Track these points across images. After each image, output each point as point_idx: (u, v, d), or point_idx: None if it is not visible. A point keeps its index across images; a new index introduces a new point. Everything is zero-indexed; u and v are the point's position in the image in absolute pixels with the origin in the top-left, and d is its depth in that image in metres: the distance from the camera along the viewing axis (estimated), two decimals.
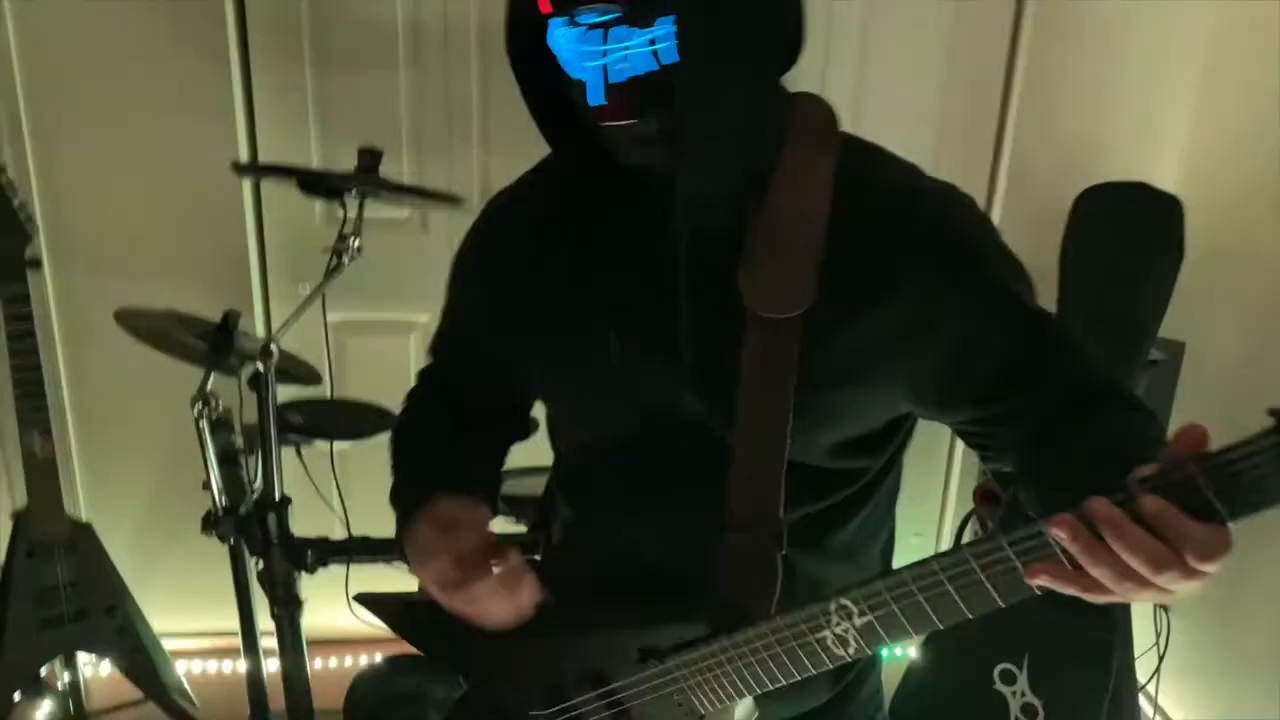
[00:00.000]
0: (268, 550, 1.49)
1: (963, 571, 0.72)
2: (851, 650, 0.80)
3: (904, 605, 0.76)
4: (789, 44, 0.86)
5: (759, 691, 0.88)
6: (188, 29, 2.04)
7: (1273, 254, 2.01)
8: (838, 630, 0.79)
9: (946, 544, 2.47)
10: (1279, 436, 0.59)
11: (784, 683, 0.86)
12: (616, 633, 0.93)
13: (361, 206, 1.53)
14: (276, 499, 1.48)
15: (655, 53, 0.78)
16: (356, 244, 1.51)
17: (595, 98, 0.80)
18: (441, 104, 2.16)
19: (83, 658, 2.23)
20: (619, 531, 0.99)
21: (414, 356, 2.31)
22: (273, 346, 1.41)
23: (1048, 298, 1.91)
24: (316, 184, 1.46)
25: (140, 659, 2.12)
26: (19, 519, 2.01)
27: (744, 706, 0.93)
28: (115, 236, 2.11)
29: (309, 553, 1.48)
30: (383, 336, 2.30)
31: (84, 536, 2.04)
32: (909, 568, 0.75)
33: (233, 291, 2.09)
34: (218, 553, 1.79)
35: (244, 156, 2.12)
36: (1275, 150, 1.99)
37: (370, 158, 1.46)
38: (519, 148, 0.96)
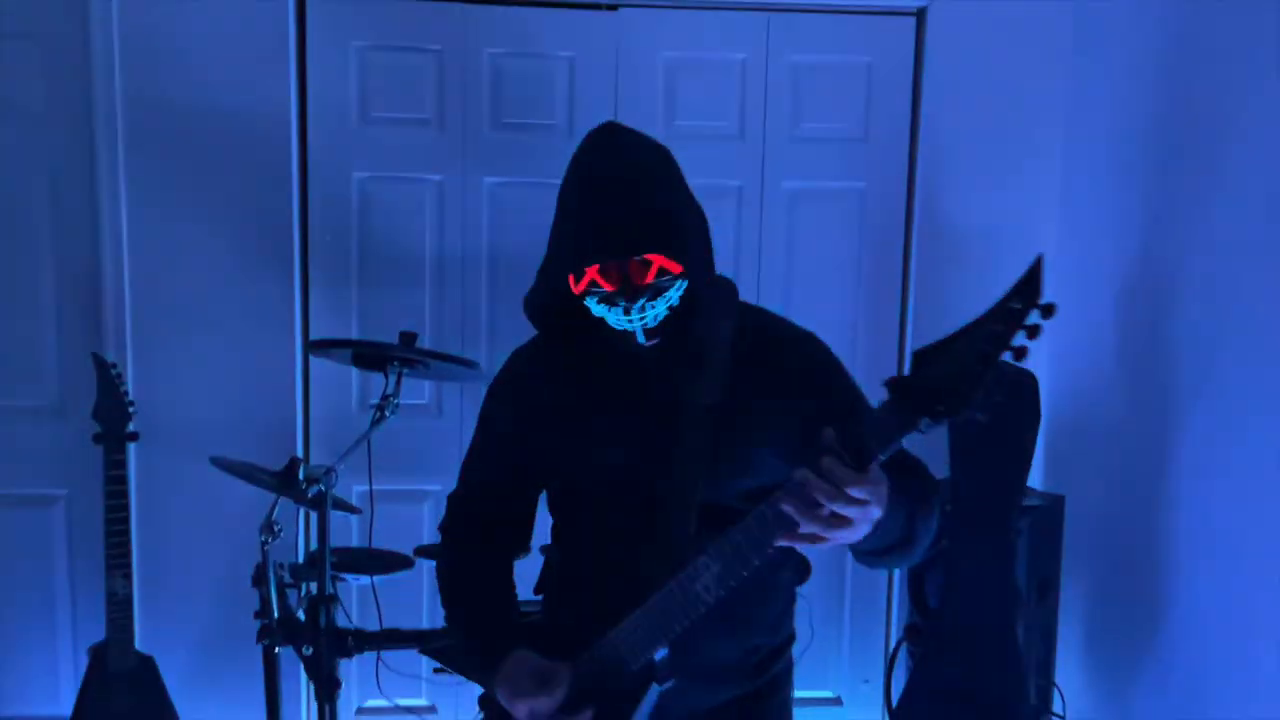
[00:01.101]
0: (316, 638, 1.89)
1: (749, 529, 1.20)
2: (713, 595, 1.24)
3: (730, 555, 1.21)
4: (711, 256, 1.42)
5: (673, 634, 1.29)
6: (263, 254, 2.65)
7: (1120, 422, 2.51)
8: (704, 580, 1.24)
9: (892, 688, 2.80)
10: (892, 404, 1.07)
11: (686, 623, 1.27)
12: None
13: (400, 377, 2.05)
14: (327, 594, 1.89)
15: (671, 304, 1.34)
16: (394, 406, 2.02)
17: (640, 338, 1.35)
18: (458, 311, 2.73)
19: None
20: (605, 553, 1.44)
21: (428, 518, 2.75)
22: (334, 469, 1.88)
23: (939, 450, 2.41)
24: (370, 355, 1.98)
25: None
26: (95, 652, 2.39)
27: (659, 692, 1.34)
28: (191, 417, 2.62)
29: (350, 640, 1.89)
30: (402, 503, 2.76)
31: (146, 667, 2.42)
32: (734, 529, 1.22)
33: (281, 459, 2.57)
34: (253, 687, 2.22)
35: (298, 358, 2.68)
36: (1113, 345, 2.54)
37: (409, 338, 2.00)
38: (517, 341, 1.53)
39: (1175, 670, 2.27)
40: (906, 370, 1.10)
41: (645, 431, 1.40)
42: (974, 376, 1.04)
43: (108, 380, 2.34)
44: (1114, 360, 2.53)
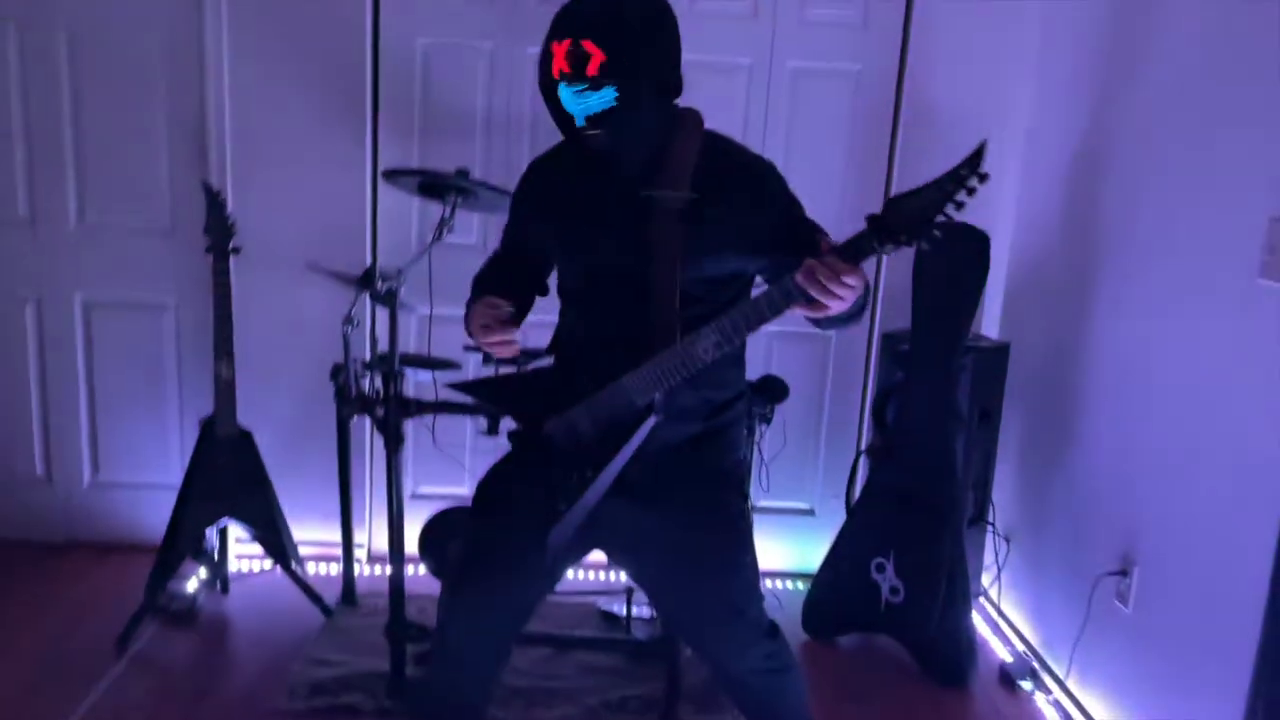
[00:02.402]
0: (388, 401, 2.43)
1: (754, 306, 1.66)
2: (710, 356, 1.71)
3: (727, 329, 1.68)
4: (674, 87, 1.86)
5: (671, 383, 1.76)
6: (341, 104, 3.13)
7: (1060, 278, 2.95)
8: (703, 345, 1.71)
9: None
10: (870, 231, 1.53)
11: (684, 376, 1.75)
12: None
13: (455, 206, 2.54)
14: (397, 368, 2.43)
15: (607, 101, 1.75)
16: (450, 227, 2.52)
17: (580, 122, 1.78)
18: (503, 161, 3.20)
19: (232, 531, 3.15)
20: (600, 323, 1.91)
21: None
22: (402, 273, 2.39)
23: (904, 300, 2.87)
24: (432, 183, 2.47)
25: (272, 533, 3.03)
26: (205, 423, 2.96)
27: (652, 423, 1.82)
28: (280, 236, 3.14)
29: (412, 404, 2.43)
30: (448, 326, 3.27)
31: (245, 439, 2.99)
32: (732, 309, 1.68)
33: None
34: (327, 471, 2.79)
35: (369, 192, 3.18)
36: (1061, 209, 2.96)
37: (464, 172, 2.48)
38: None
39: (1077, 486, 2.76)
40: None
41: (626, 225, 1.83)
42: (926, 219, 1.49)
43: (215, 203, 2.84)
44: (1061, 222, 2.96)
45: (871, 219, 1.55)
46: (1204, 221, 2.24)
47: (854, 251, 1.57)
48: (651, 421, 1.80)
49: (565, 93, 1.77)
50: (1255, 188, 2.04)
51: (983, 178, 1.47)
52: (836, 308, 1.63)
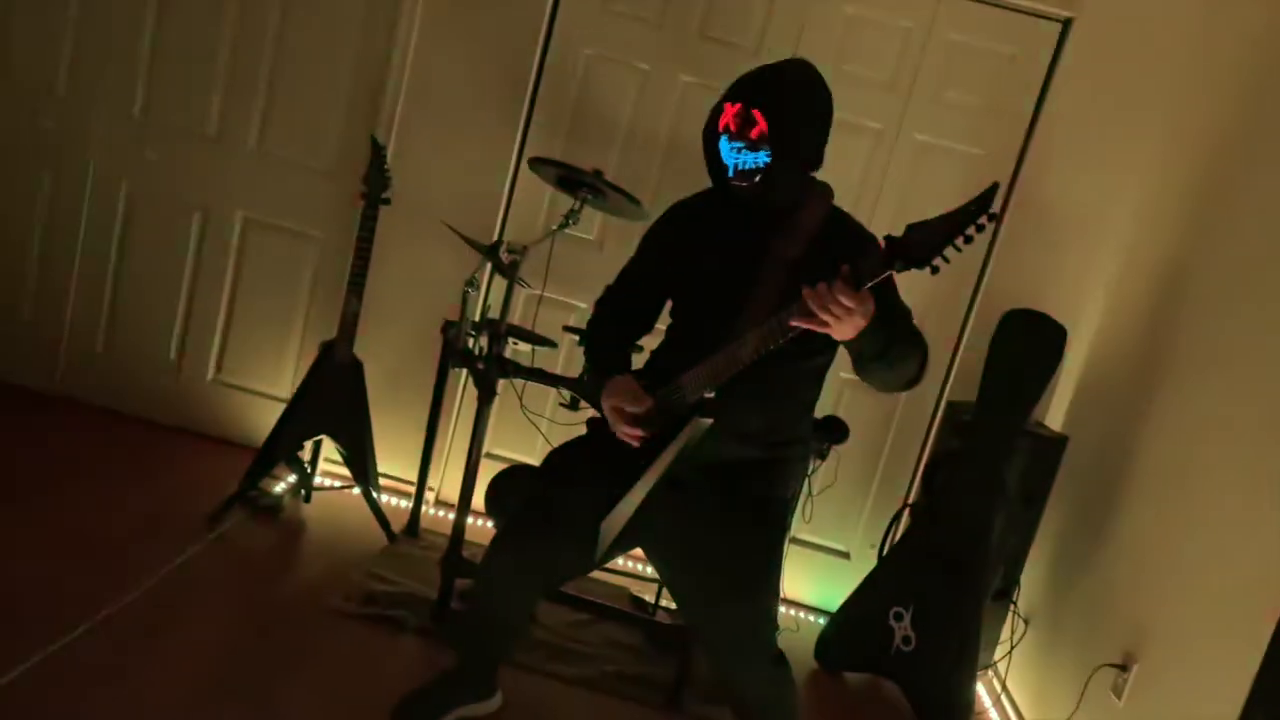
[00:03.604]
0: (490, 359, 2.72)
1: (783, 315, 1.87)
2: (748, 358, 1.94)
3: (764, 334, 1.91)
4: (816, 161, 2.11)
5: (720, 381, 2.00)
6: (504, 92, 3.47)
7: (1128, 385, 3.08)
8: (745, 349, 1.95)
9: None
10: (885, 252, 1.74)
11: (730, 375, 1.99)
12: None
13: (584, 203, 2.83)
14: (503, 333, 2.72)
15: (759, 162, 2.03)
16: (576, 219, 2.80)
17: (730, 172, 2.06)
18: (634, 173, 3.48)
19: (326, 448, 3.48)
20: (690, 348, 2.12)
21: (576, 321, 3.56)
22: (525, 249, 2.69)
23: (976, 374, 3.04)
24: (569, 177, 2.76)
25: (360, 456, 3.35)
26: (325, 346, 3.29)
27: (704, 426, 2.03)
28: (426, 197, 3.47)
29: (510, 365, 2.72)
30: (559, 310, 3.57)
31: (357, 367, 3.32)
32: (769, 318, 1.91)
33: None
34: (418, 415, 3.10)
35: (510, 175, 3.51)
36: (1144, 324, 3.09)
37: (598, 172, 2.76)
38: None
39: (1099, 580, 2.89)
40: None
41: (741, 267, 2.12)
42: (937, 247, 1.71)
43: (378, 156, 3.17)
44: (1139, 333, 3.09)
45: (888, 240, 1.75)
46: (1269, 350, 2.38)
47: (867, 269, 1.76)
48: (704, 423, 1.98)
49: (725, 146, 2.07)
50: None
51: (991, 217, 1.66)
52: (838, 331, 1.82)
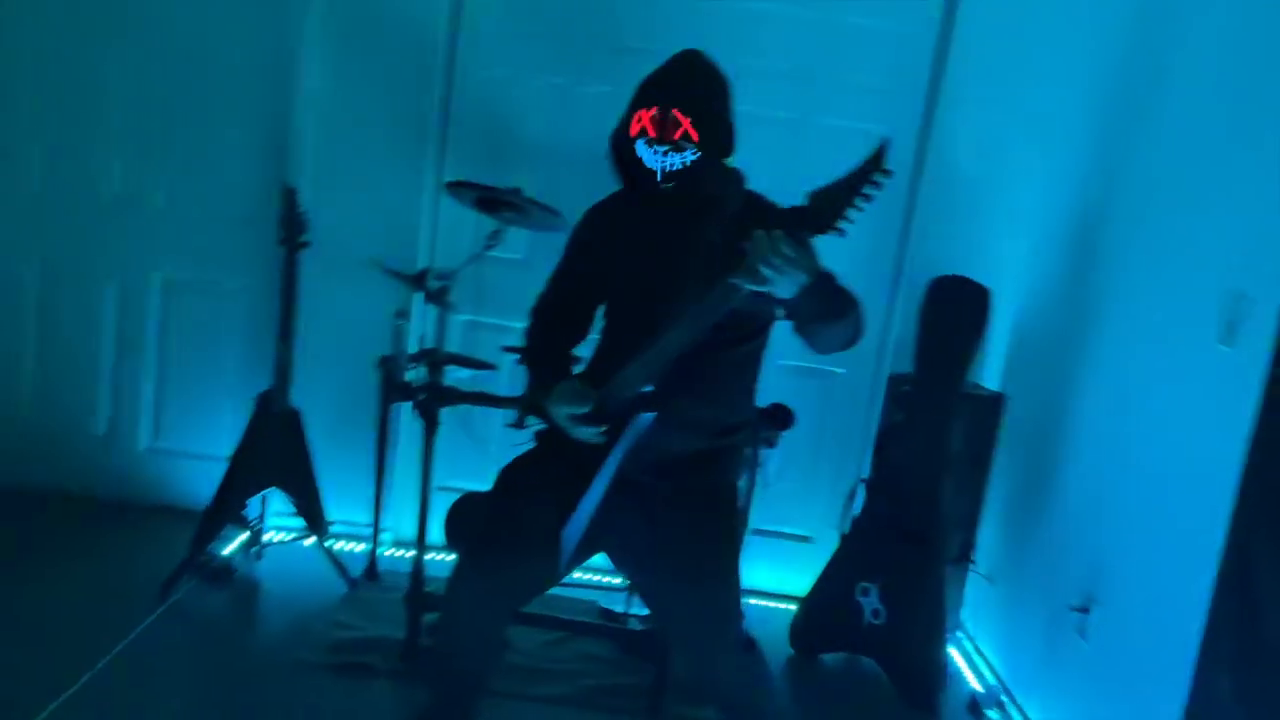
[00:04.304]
0: (430, 389, 2.69)
1: (716, 291, 1.86)
2: (677, 348, 1.93)
3: (691, 320, 1.90)
4: (731, 148, 2.14)
5: (655, 373, 1.99)
6: (413, 121, 3.46)
7: (1057, 338, 3.16)
8: (674, 338, 1.92)
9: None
10: (803, 213, 1.76)
11: (664, 365, 1.98)
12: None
13: (508, 220, 2.82)
14: (440, 360, 2.70)
15: (686, 161, 2.05)
16: (499, 239, 2.79)
17: (658, 176, 2.07)
18: (552, 186, 3.47)
19: (273, 501, 3.41)
20: (629, 344, 2.11)
21: (513, 342, 3.54)
22: (454, 275, 2.67)
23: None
24: (489, 198, 2.75)
25: (309, 503, 3.29)
26: (261, 398, 3.24)
27: (647, 420, 2.02)
28: (346, 235, 3.43)
29: (452, 392, 2.70)
30: (488, 331, 3.55)
31: (295, 414, 3.26)
32: (694, 306, 1.91)
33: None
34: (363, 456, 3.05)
35: (428, 203, 3.49)
36: (1064, 277, 3.19)
37: (515, 190, 2.76)
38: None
39: (1052, 530, 2.96)
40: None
41: (665, 260, 2.12)
42: (840, 210, 1.69)
43: (290, 200, 3.12)
44: (1061, 287, 3.18)
45: (795, 210, 1.75)
46: (1177, 293, 2.46)
47: (799, 230, 1.74)
48: (646, 419, 1.99)
49: (646, 151, 2.08)
50: (1218, 264, 2.27)
51: (885, 173, 1.65)
52: (783, 286, 1.80)
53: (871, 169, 1.66)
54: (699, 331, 1.93)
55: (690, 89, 2.07)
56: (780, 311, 2.04)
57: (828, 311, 1.96)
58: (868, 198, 1.68)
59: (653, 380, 2.01)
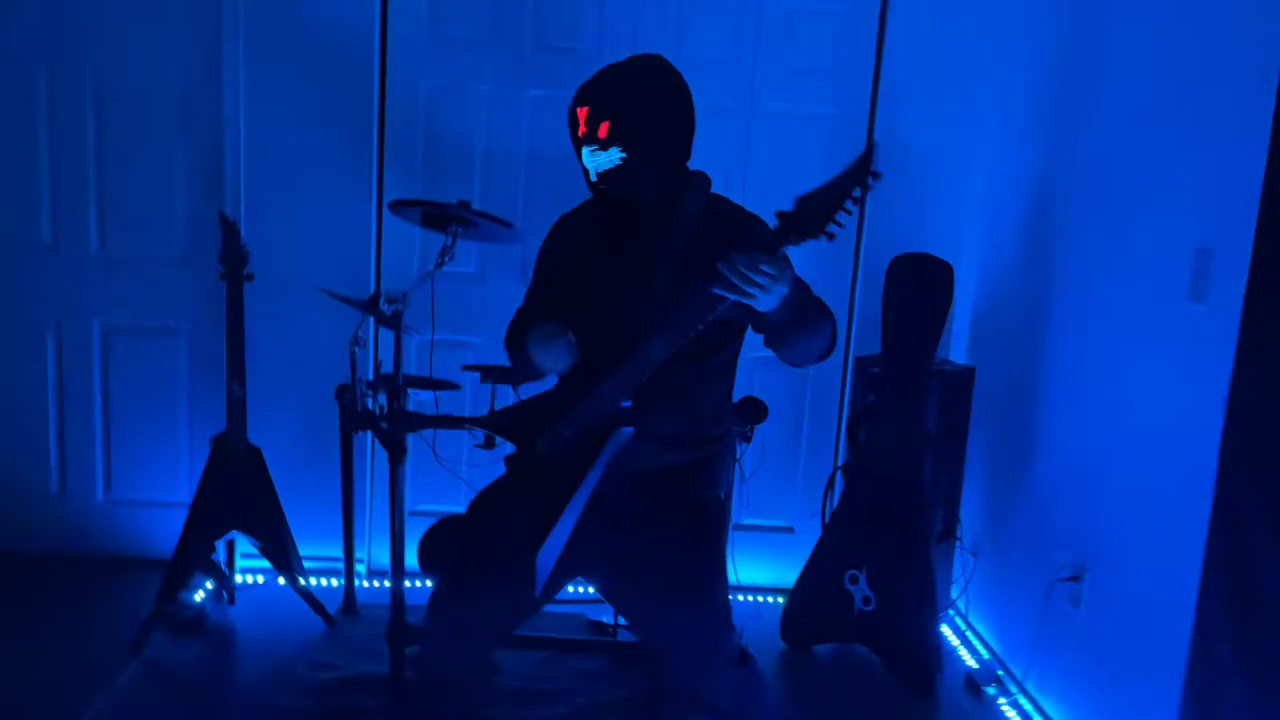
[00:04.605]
0: (393, 415, 2.61)
1: (693, 303, 1.83)
2: (659, 356, 1.88)
3: (672, 330, 1.86)
4: (680, 153, 2.09)
5: (634, 387, 1.93)
6: (349, 140, 3.35)
7: (1022, 305, 3.15)
8: (655, 349, 1.88)
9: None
10: (780, 227, 1.71)
11: (643, 378, 1.92)
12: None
13: (456, 236, 2.73)
14: (401, 385, 2.61)
15: (614, 161, 2.00)
16: (451, 255, 2.71)
17: (592, 176, 2.04)
18: (500, 197, 3.41)
19: (239, 544, 3.29)
20: (598, 355, 2.07)
21: (471, 361, 3.46)
22: (406, 296, 2.59)
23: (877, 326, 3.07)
24: (435, 214, 2.66)
25: (278, 546, 3.18)
26: (217, 440, 3.13)
27: (624, 435, 1.97)
28: (290, 265, 3.33)
29: (415, 419, 2.61)
30: (448, 350, 3.46)
31: (255, 454, 3.16)
32: (675, 314, 1.86)
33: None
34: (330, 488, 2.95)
35: (374, 224, 3.39)
36: (1024, 244, 3.17)
37: (464, 204, 2.67)
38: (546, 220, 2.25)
39: (1036, 500, 2.95)
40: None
41: (630, 269, 2.07)
42: (829, 213, 1.67)
43: (231, 233, 3.02)
44: (1021, 254, 3.17)
45: (781, 215, 1.72)
46: (1141, 252, 2.45)
47: (767, 238, 1.73)
48: (625, 433, 1.93)
49: (585, 151, 2.06)
50: (1183, 221, 2.25)
51: (875, 176, 1.62)
52: (763, 301, 1.77)
53: (860, 172, 1.63)
54: (677, 343, 1.88)
55: (614, 89, 2.06)
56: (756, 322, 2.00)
57: (802, 320, 1.93)
58: (857, 200, 1.64)
59: (630, 394, 1.95)
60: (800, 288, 1.85)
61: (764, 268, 1.73)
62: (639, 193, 2.09)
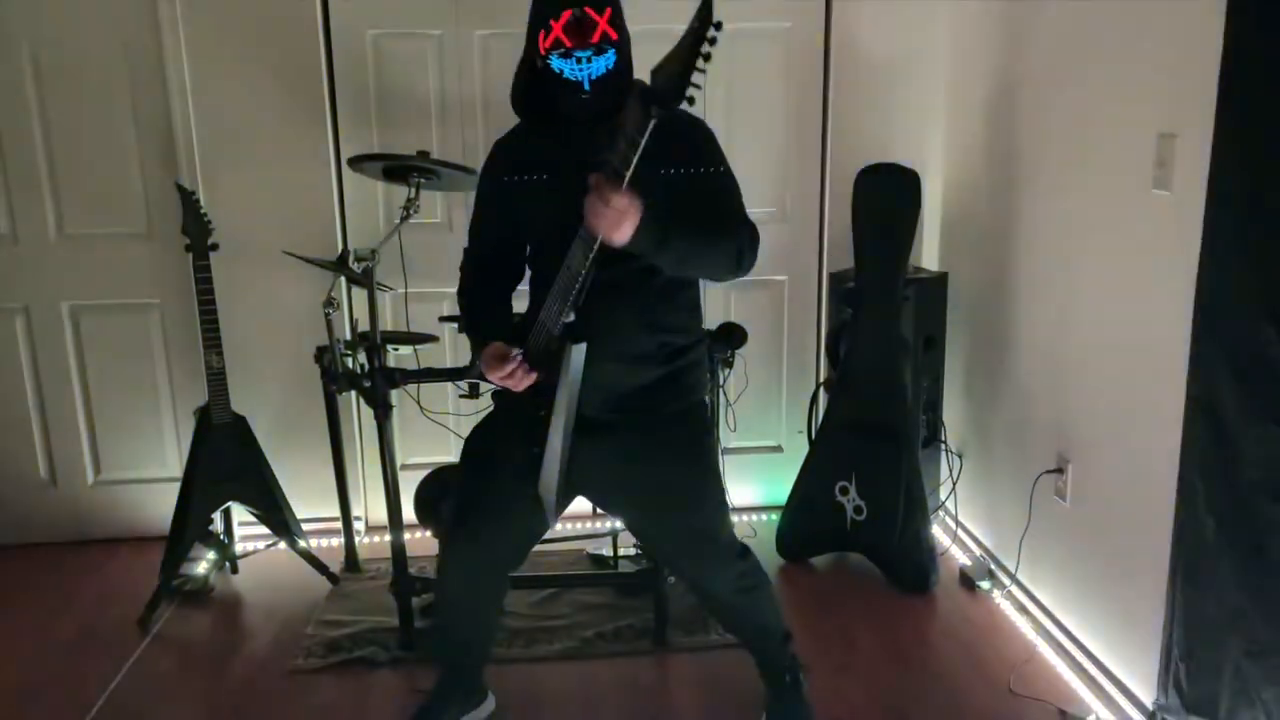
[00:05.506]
0: (374, 373, 2.61)
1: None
2: (580, 267, 1.82)
3: (580, 242, 1.80)
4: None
5: (570, 301, 1.87)
6: (299, 98, 3.29)
7: (989, 207, 3.16)
8: (573, 261, 1.83)
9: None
10: (634, 106, 1.61)
11: (576, 289, 1.85)
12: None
13: (419, 187, 2.71)
14: (379, 342, 2.61)
15: (609, 64, 1.92)
16: (416, 207, 2.68)
17: (585, 85, 1.92)
18: (459, 142, 3.37)
19: (236, 513, 3.31)
20: (546, 277, 2.01)
21: (449, 309, 3.45)
22: (375, 252, 2.57)
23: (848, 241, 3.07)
24: (396, 167, 2.63)
25: (275, 511, 3.21)
26: (201, 412, 3.12)
27: (579, 351, 1.93)
28: (253, 229, 3.29)
29: (396, 374, 2.61)
30: (422, 302, 3.45)
31: (240, 423, 3.16)
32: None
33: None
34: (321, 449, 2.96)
35: (334, 180, 3.34)
36: (987, 146, 3.17)
37: (424, 154, 2.64)
38: None
39: (1016, 397, 2.99)
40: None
41: (572, 187, 1.90)
42: (682, 76, 1.55)
43: (190, 203, 2.97)
44: (985, 157, 3.17)
45: (642, 91, 1.62)
46: (1104, 142, 2.45)
47: (631, 127, 1.63)
48: (575, 351, 1.93)
49: (565, 64, 1.92)
50: (1145, 106, 2.25)
51: (718, 26, 1.51)
52: (616, 237, 1.74)
53: (701, 27, 1.52)
54: (593, 255, 1.82)
55: None
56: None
57: (688, 250, 1.90)
58: (707, 57, 1.53)
59: (573, 309, 1.91)
60: (658, 218, 1.79)
61: (612, 199, 1.69)
62: (616, 100, 1.88)
